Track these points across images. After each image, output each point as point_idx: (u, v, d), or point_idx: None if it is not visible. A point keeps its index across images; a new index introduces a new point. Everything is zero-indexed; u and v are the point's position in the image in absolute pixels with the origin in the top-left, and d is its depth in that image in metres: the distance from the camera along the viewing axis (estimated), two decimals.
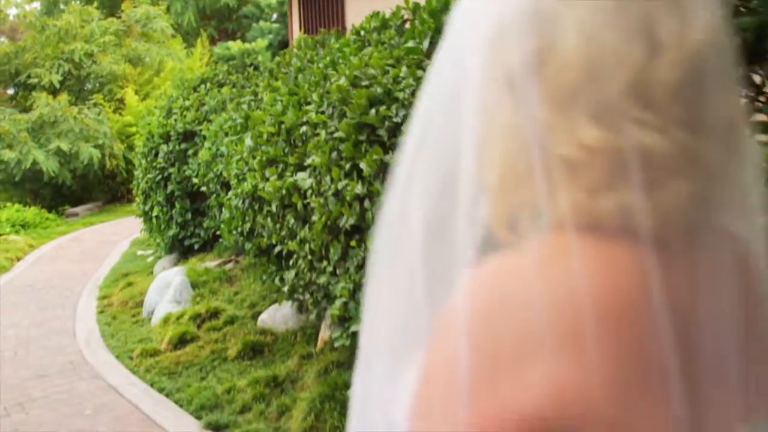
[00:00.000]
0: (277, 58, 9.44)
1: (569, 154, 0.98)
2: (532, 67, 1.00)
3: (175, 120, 12.07)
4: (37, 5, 32.77)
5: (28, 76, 26.01)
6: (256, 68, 19.47)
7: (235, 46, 27.41)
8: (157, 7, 29.97)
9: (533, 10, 1.02)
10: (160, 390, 7.36)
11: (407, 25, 5.86)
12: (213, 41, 31.97)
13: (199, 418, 6.52)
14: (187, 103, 12.26)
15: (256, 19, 32.62)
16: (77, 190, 24.78)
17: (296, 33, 14.77)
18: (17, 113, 24.29)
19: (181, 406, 6.87)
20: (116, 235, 17.89)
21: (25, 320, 10.90)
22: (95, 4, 30.97)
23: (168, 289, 10.08)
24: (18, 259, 16.42)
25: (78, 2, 33.07)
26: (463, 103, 1.09)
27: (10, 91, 26.81)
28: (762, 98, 2.90)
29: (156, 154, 12.38)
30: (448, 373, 0.98)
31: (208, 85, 12.66)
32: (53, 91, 25.38)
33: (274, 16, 32.78)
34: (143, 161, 12.98)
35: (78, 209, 23.81)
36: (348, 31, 11.29)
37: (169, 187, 11.92)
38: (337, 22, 12.91)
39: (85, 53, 26.64)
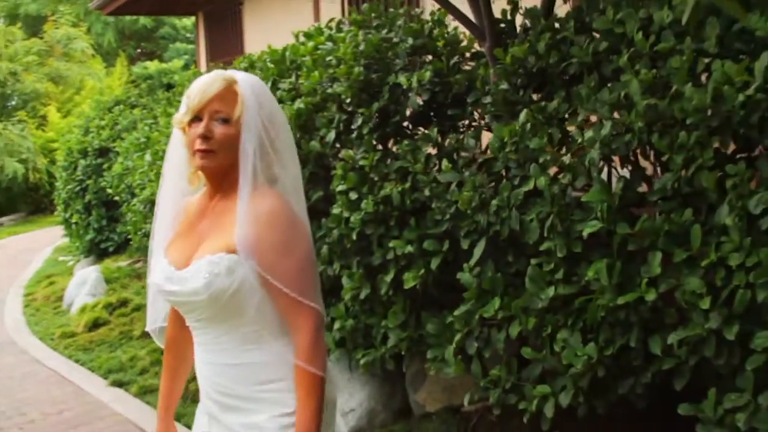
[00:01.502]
0: (172, 91, 11.13)
1: None
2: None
3: (92, 137, 13.58)
4: None
5: None
6: (171, 87, 21.05)
7: (152, 65, 28.66)
8: (78, 28, 31.23)
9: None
10: (76, 361, 9.00)
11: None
12: (132, 61, 33.16)
13: (106, 378, 8.17)
14: (103, 122, 13.77)
15: (172, 40, 33.90)
16: (2, 201, 26.00)
17: (203, 58, 16.35)
18: None
19: (92, 371, 8.52)
20: (39, 243, 19.14)
21: None
22: (18, 24, 32.19)
23: (85, 284, 11.65)
24: None
25: (1, 23, 34.30)
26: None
27: None
28: None
29: (75, 168, 13.88)
30: None
31: (122, 106, 14.20)
32: None
33: (190, 36, 34.12)
34: (64, 174, 14.49)
35: (2, 219, 25.08)
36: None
37: (87, 197, 13.36)
38: (238, 51, 14.50)
39: (9, 72, 27.82)
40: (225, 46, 15.25)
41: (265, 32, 12.90)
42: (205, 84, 2.70)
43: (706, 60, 3.59)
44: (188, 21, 32.65)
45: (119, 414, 7.07)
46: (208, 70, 11.23)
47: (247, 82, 2.75)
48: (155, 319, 3.14)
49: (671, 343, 3.59)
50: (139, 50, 37.00)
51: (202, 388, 2.92)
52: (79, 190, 13.59)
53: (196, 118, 2.69)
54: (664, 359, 3.70)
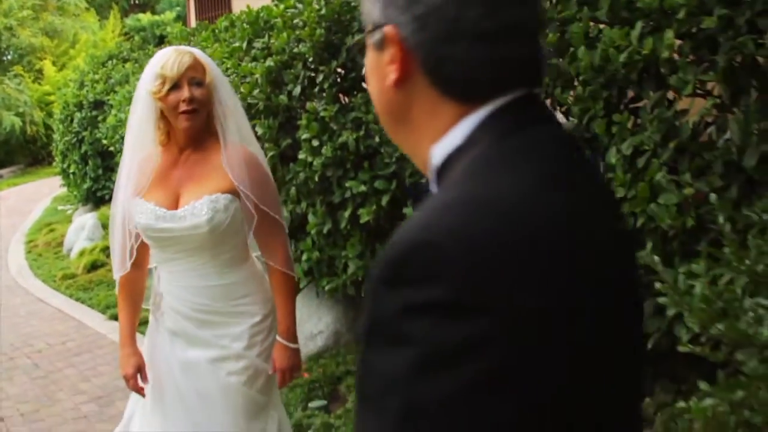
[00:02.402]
0: (162, 45, 11.74)
1: None
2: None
3: (87, 91, 14.17)
4: None
5: None
6: (163, 39, 21.57)
7: (145, 18, 29.05)
8: None
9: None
10: (77, 299, 9.74)
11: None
12: (125, 13, 33.56)
13: (104, 313, 8.91)
14: (97, 76, 14.36)
15: None
16: (1, 154, 26.68)
17: (192, 13, 16.86)
18: None
19: (91, 307, 9.26)
20: (38, 193, 19.82)
21: None
22: None
23: (83, 230, 12.36)
24: None
25: None
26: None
27: None
28: None
29: (71, 120, 14.51)
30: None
31: (115, 61, 14.78)
32: None
33: None
34: (60, 126, 15.14)
35: (2, 172, 25.76)
36: (233, 12, 13.51)
37: (83, 148, 13.95)
38: (225, 6, 15.02)
39: (5, 27, 28.34)
40: (213, 2, 15.73)
41: None
42: (178, 57, 3.37)
43: (601, 27, 4.25)
44: None
45: (116, 342, 7.76)
46: (198, 23, 11.86)
47: (203, 55, 3.48)
48: (124, 263, 3.63)
49: None
50: (132, 2, 37.38)
51: (172, 309, 3.55)
52: (76, 141, 14.19)
53: (175, 86, 3.34)
54: None
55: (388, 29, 1.25)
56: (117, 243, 3.65)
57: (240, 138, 3.55)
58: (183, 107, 3.36)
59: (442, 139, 1.25)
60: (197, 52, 3.49)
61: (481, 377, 1.01)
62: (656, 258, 2.63)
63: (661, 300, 2.67)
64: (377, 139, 5.34)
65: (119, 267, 3.66)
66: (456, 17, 1.19)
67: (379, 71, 1.30)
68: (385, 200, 5.35)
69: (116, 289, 3.76)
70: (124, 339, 3.70)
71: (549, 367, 1.05)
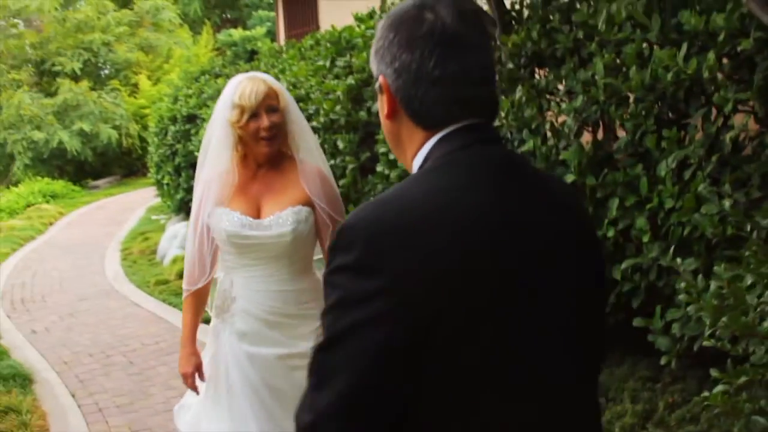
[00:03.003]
0: (251, 63, 12.28)
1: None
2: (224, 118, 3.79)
3: (181, 105, 14.77)
4: None
5: (53, 64, 28.77)
6: (254, 54, 22.20)
7: (237, 33, 29.75)
8: None
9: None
10: (169, 304, 10.27)
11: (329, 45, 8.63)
12: (217, 29, 34.41)
13: None
14: (190, 91, 14.96)
15: (255, 8, 34.99)
16: (98, 165, 27.65)
17: (281, 29, 17.42)
18: (43, 98, 27.20)
19: (182, 310, 9.76)
20: (133, 203, 20.54)
21: (65, 265, 13.89)
22: None
23: (176, 239, 12.92)
24: (51, 224, 19.33)
25: None
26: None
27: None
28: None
29: (166, 133, 15.14)
30: None
31: (207, 76, 15.39)
32: (75, 78, 28.15)
33: (272, 2, 35.19)
34: (155, 139, 15.83)
35: (99, 182, 26.73)
36: (321, 29, 14.00)
37: (177, 160, 14.55)
38: (313, 22, 15.55)
39: (103, 43, 29.40)
40: (301, 18, 16.26)
41: (338, 5, 13.83)
42: (254, 87, 3.70)
43: (653, 48, 4.57)
44: None
45: (203, 342, 8.28)
46: (287, 41, 12.35)
47: (274, 81, 3.87)
48: (193, 277, 4.08)
49: (627, 269, 4.59)
50: (224, 18, 38.31)
51: (245, 312, 3.85)
52: (170, 153, 14.81)
53: (253, 115, 3.70)
54: (624, 283, 4.69)
55: (381, 79, 1.78)
56: (190, 257, 4.03)
57: (309, 152, 3.93)
58: (263, 134, 3.70)
59: (417, 156, 1.78)
60: (269, 78, 3.85)
61: (374, 314, 1.54)
62: (678, 260, 2.95)
63: (681, 297, 2.98)
64: None
65: (190, 281, 4.08)
66: (418, 69, 1.71)
67: (381, 108, 1.83)
68: None
69: (183, 295, 4.18)
70: (186, 340, 4.10)
71: (420, 309, 1.55)
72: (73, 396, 7.31)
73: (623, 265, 4.56)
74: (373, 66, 1.82)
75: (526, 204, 1.71)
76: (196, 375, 4.01)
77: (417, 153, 1.77)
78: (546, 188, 1.82)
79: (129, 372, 7.84)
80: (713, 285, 2.78)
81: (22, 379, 7.56)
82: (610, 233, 4.60)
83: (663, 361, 4.40)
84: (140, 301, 10.79)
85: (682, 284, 3.07)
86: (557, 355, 1.70)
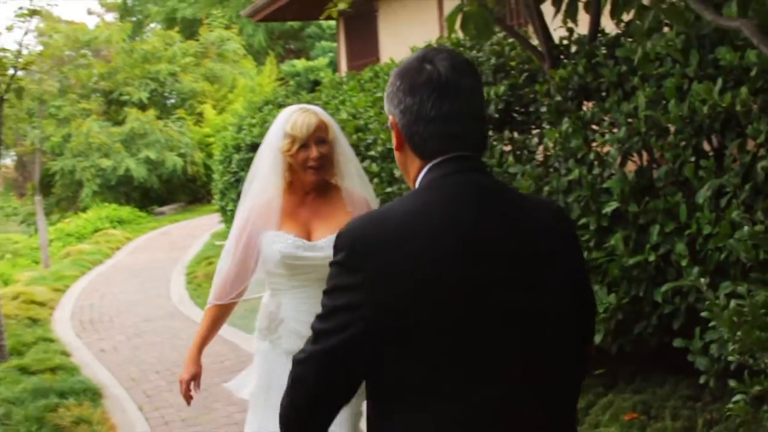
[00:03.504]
0: (313, 94, 12.66)
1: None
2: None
3: (245, 134, 15.18)
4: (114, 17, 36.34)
5: (120, 94, 29.52)
6: (317, 84, 22.64)
7: (300, 64, 30.20)
8: (231, 30, 33.34)
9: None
10: (233, 324, 10.61)
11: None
12: (281, 59, 35.00)
13: None
14: (254, 120, 15.37)
15: (318, 39, 35.48)
16: (163, 192, 28.27)
17: (343, 60, 17.80)
18: (111, 126, 27.95)
19: (245, 331, 10.11)
20: (198, 229, 21.01)
21: (132, 289, 14.35)
22: (176, 28, 34.52)
23: None
24: (117, 249, 19.89)
25: (160, 27, 36.74)
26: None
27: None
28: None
29: (230, 162, 15.57)
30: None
31: (270, 106, 15.81)
32: (142, 107, 28.86)
33: (335, 34, 35.68)
34: (220, 167, 16.27)
35: (164, 208, 27.33)
36: (381, 60, 14.36)
37: (240, 187, 14.95)
38: (374, 54, 15.89)
39: (169, 73, 30.11)
40: (362, 49, 16.58)
41: (398, 37, 14.14)
42: (306, 119, 3.93)
43: (687, 81, 4.82)
44: (332, 21, 34.24)
45: (246, 352, 8.65)
46: (347, 72, 12.71)
47: (324, 113, 4.13)
48: (224, 292, 4.21)
49: (667, 292, 4.82)
50: (287, 49, 38.95)
51: (292, 332, 3.99)
52: (234, 181, 15.21)
53: (303, 146, 3.92)
54: (665, 306, 4.92)
55: (391, 118, 2.20)
56: (225, 273, 4.17)
57: (352, 180, 4.16)
58: (311, 164, 3.92)
59: (416, 181, 2.17)
60: (320, 111, 4.08)
61: (352, 302, 2.03)
62: (702, 280, 3.20)
63: (703, 313, 3.23)
64: None
65: (220, 295, 4.22)
66: (418, 110, 2.13)
67: (393, 142, 2.24)
68: None
69: (207, 305, 4.35)
70: (194, 351, 4.27)
71: (388, 302, 2.01)
72: (140, 410, 7.68)
73: (663, 288, 4.80)
74: (386, 107, 2.23)
75: (493, 223, 2.09)
76: (192, 384, 4.21)
77: (416, 178, 2.18)
78: (521, 212, 2.18)
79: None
80: (733, 303, 3.03)
81: (92, 394, 7.93)
82: (651, 258, 4.85)
83: (702, 380, 4.63)
84: None
85: (707, 302, 3.30)
86: (508, 356, 2.06)
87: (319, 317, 2.12)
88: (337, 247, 2.11)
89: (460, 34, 5.82)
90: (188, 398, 4.24)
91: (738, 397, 2.93)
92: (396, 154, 2.25)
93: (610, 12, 5.24)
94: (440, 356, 2.01)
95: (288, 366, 3.31)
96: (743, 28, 3.26)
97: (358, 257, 2.05)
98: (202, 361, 8.02)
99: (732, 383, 3.05)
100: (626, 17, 5.46)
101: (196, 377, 4.21)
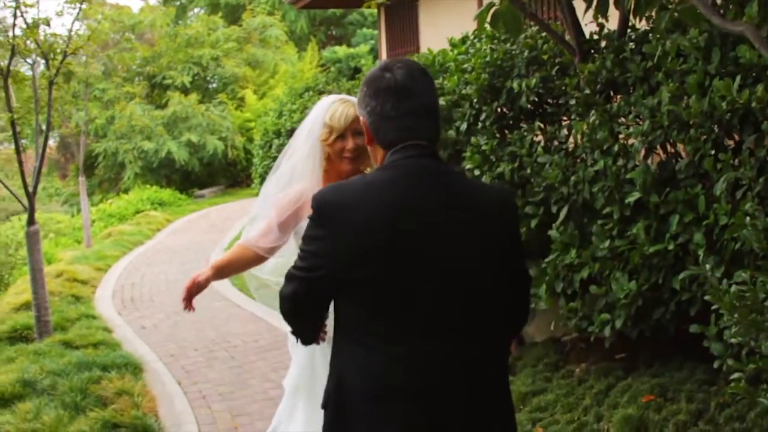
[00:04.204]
0: (353, 82, 12.89)
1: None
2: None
3: (285, 120, 15.52)
4: (158, 1, 36.78)
5: (163, 78, 29.93)
6: (357, 71, 22.88)
7: (341, 50, 30.41)
8: (273, 16, 33.66)
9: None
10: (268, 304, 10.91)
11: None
12: (322, 45, 35.26)
13: None
14: (294, 107, 15.70)
15: (360, 26, 35.77)
16: (203, 175, 28.67)
17: (383, 49, 18.01)
18: (154, 110, 28.37)
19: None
20: (237, 212, 21.21)
21: (172, 269, 14.70)
22: (219, 13, 34.88)
23: None
24: (158, 230, 20.27)
25: (204, 12, 37.12)
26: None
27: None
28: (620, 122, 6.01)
29: (270, 146, 15.90)
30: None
31: (311, 92, 16.11)
32: (184, 91, 29.25)
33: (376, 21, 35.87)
34: (260, 152, 16.60)
35: (204, 191, 27.71)
36: (421, 50, 14.55)
37: None
38: (414, 43, 16.09)
39: (212, 58, 30.49)
40: (402, 38, 16.75)
41: (437, 27, 14.34)
42: (344, 110, 4.16)
43: (709, 78, 5.01)
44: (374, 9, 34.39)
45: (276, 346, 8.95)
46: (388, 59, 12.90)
47: None
48: (263, 239, 4.25)
49: (685, 279, 5.02)
50: (328, 35, 39.20)
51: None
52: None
53: (340, 136, 4.17)
54: (683, 293, 5.12)
55: (362, 118, 2.80)
56: (266, 225, 4.24)
57: None
58: (347, 154, 4.16)
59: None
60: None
61: (317, 249, 2.66)
62: (707, 266, 3.41)
63: (707, 297, 3.45)
64: (528, 171, 6.19)
65: (261, 240, 4.23)
66: (380, 111, 2.70)
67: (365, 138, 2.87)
68: (534, 223, 6.20)
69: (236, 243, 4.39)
70: (210, 268, 4.33)
71: (342, 252, 2.61)
72: (179, 384, 8.00)
73: (681, 276, 5.00)
74: (358, 110, 2.85)
75: (430, 198, 2.63)
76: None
77: (381, 164, 2.77)
78: (462, 192, 2.70)
79: (230, 365, 8.50)
80: (734, 288, 3.24)
81: (133, 368, 8.26)
82: (671, 246, 5.05)
83: (716, 364, 4.83)
84: (242, 303, 11.49)
85: (710, 287, 3.51)
86: (427, 308, 2.61)
87: (298, 256, 2.73)
88: (312, 207, 2.69)
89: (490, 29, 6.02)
90: (186, 301, 4.36)
91: (735, 375, 3.14)
92: (368, 147, 2.84)
93: (633, 10, 5.44)
94: (373, 305, 2.61)
95: (328, 352, 3.49)
96: (746, 33, 3.46)
97: (323, 216, 2.64)
98: (238, 340, 8.37)
99: (729, 362, 3.27)
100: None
101: (198, 285, 4.31)
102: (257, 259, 4.34)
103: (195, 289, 4.30)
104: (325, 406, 2.79)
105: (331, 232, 2.61)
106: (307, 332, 2.90)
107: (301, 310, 2.78)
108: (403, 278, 2.58)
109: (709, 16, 3.58)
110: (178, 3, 40.30)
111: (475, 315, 2.65)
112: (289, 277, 2.73)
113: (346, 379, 2.68)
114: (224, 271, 4.44)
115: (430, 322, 2.60)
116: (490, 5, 5.49)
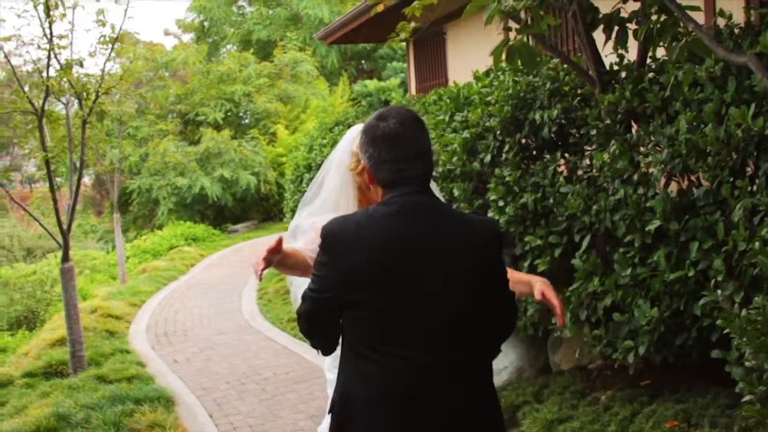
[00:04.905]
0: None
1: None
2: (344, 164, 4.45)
3: (315, 154, 15.62)
4: (191, 39, 37.24)
5: (196, 114, 30.28)
6: (387, 104, 23.03)
7: (371, 84, 30.63)
8: (304, 52, 34.00)
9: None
10: (300, 339, 11.02)
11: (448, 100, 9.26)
12: (353, 80, 35.53)
13: None
14: (324, 141, 15.81)
15: (390, 59, 36.00)
16: (237, 210, 28.94)
17: (413, 82, 18.16)
18: (187, 146, 28.67)
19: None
20: None
21: (205, 303, 14.86)
22: (251, 50, 35.26)
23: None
24: (192, 265, 20.48)
25: (236, 49, 37.50)
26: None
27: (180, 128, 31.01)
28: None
29: (301, 181, 16.02)
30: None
31: (341, 127, 16.21)
32: (217, 127, 29.59)
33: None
34: (291, 186, 16.73)
35: (238, 226, 27.96)
36: (449, 82, 14.67)
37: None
38: (442, 75, 16.23)
39: (244, 94, 30.83)
40: (431, 71, 16.90)
41: (466, 59, 14.44)
42: None
43: (725, 106, 5.08)
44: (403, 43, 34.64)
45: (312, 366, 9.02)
46: (414, 95, 13.03)
47: None
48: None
49: (705, 305, 5.07)
50: (359, 69, 39.49)
51: None
52: None
53: None
54: (704, 319, 5.17)
55: (363, 161, 3.18)
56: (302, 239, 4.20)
57: None
58: None
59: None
60: None
61: (324, 275, 2.97)
62: (719, 292, 3.48)
63: (719, 322, 3.51)
64: (551, 201, 6.27)
65: (305, 246, 4.06)
66: (378, 156, 3.05)
67: (366, 179, 3.26)
68: (557, 252, 6.27)
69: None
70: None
71: (344, 279, 2.92)
72: (210, 416, 8.10)
73: (701, 302, 5.05)
74: (360, 155, 3.23)
75: (420, 229, 2.96)
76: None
77: (381, 200, 3.11)
78: (451, 224, 3.03)
79: (261, 398, 8.60)
80: (744, 312, 3.30)
81: (166, 401, 8.39)
82: (691, 273, 5.11)
83: (738, 389, 4.87)
84: (274, 336, 11.61)
85: (722, 312, 3.57)
86: (422, 329, 2.92)
87: (311, 279, 3.06)
88: (320, 236, 3.00)
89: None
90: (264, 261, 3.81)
91: (748, 397, 3.20)
92: (370, 187, 3.33)
93: (645, 42, 5.54)
94: (371, 323, 2.91)
95: None
96: (749, 64, 3.55)
97: (329, 245, 2.96)
98: (269, 372, 8.44)
99: (741, 385, 3.32)
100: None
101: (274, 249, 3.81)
102: (307, 265, 4.05)
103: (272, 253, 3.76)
104: (331, 411, 3.14)
105: (334, 258, 2.92)
106: (323, 344, 3.16)
107: (314, 325, 3.08)
108: (398, 299, 2.89)
109: (714, 48, 3.67)
110: (210, 40, 40.77)
111: (460, 331, 2.97)
112: (304, 297, 3.06)
113: (349, 388, 3.01)
114: (288, 258, 3.99)
115: (421, 337, 2.92)
116: (506, 41, 5.60)
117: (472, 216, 3.22)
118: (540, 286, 3.74)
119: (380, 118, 3.09)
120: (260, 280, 3.76)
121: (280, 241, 3.74)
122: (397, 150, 3.01)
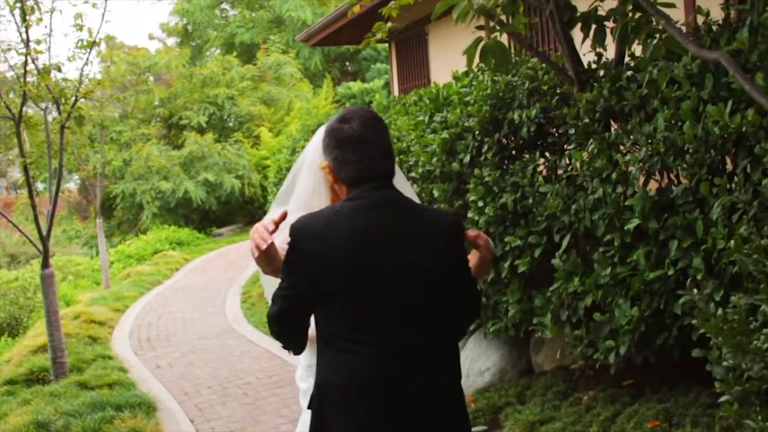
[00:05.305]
0: None
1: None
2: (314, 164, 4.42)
3: (297, 156, 15.58)
4: (174, 42, 37.18)
5: (179, 118, 30.19)
6: (370, 105, 22.98)
7: (355, 86, 30.60)
8: (288, 54, 33.94)
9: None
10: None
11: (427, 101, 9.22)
12: (337, 82, 35.49)
13: None
14: (306, 143, 15.76)
15: (373, 61, 35.99)
16: (221, 214, 28.85)
17: (395, 82, 18.12)
18: (170, 150, 28.58)
19: None
20: None
21: (188, 308, 14.79)
22: (234, 53, 35.19)
23: None
24: (176, 270, 20.40)
25: (219, 53, 37.43)
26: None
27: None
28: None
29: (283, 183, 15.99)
30: None
31: None
32: (200, 130, 29.50)
33: None
34: (275, 189, 16.68)
35: (222, 230, 27.87)
36: (431, 82, 14.65)
37: None
38: (425, 76, 16.20)
39: (227, 97, 30.74)
40: (414, 72, 16.87)
41: (448, 60, 14.40)
42: None
43: (702, 104, 5.05)
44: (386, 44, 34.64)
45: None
46: (395, 96, 12.99)
47: None
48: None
49: (685, 304, 5.04)
50: (343, 71, 39.45)
51: None
52: None
53: None
54: (684, 318, 5.14)
55: (326, 163, 3.25)
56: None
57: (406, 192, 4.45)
58: None
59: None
60: None
61: (293, 270, 3.08)
62: (695, 291, 3.45)
63: (694, 321, 3.48)
64: (531, 200, 6.23)
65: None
66: (342, 158, 3.15)
67: (331, 179, 3.31)
68: (537, 252, 6.23)
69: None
70: None
71: (312, 272, 3.03)
72: (192, 422, 8.04)
73: (681, 301, 5.02)
74: (323, 156, 3.29)
75: (382, 223, 3.08)
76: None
77: (347, 197, 3.21)
78: (412, 217, 3.15)
79: (243, 402, 8.54)
80: (720, 311, 3.27)
81: (147, 407, 8.31)
82: (671, 272, 5.07)
83: (717, 388, 4.84)
84: (257, 340, 11.55)
85: (697, 311, 3.54)
86: (391, 318, 3.04)
87: (281, 277, 3.09)
88: (289, 234, 3.07)
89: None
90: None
91: (724, 398, 3.17)
92: (335, 185, 3.32)
93: (620, 40, 5.52)
94: (342, 314, 3.02)
95: None
96: (722, 59, 3.51)
97: (297, 241, 3.05)
98: (251, 377, 8.39)
99: (717, 385, 3.29)
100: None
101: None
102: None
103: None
104: (309, 406, 3.19)
105: (302, 256, 3.04)
106: (293, 343, 3.22)
107: (284, 324, 3.13)
108: (366, 290, 3.02)
109: (685, 44, 3.63)
110: (193, 44, 40.70)
111: (427, 317, 3.11)
112: (275, 297, 3.11)
113: (324, 379, 3.10)
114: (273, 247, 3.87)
115: (390, 325, 3.03)
116: (479, 40, 5.55)
117: (435, 209, 3.43)
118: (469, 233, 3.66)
119: (343, 120, 3.20)
120: (263, 253, 3.47)
121: (284, 215, 3.60)
122: (361, 151, 3.13)
